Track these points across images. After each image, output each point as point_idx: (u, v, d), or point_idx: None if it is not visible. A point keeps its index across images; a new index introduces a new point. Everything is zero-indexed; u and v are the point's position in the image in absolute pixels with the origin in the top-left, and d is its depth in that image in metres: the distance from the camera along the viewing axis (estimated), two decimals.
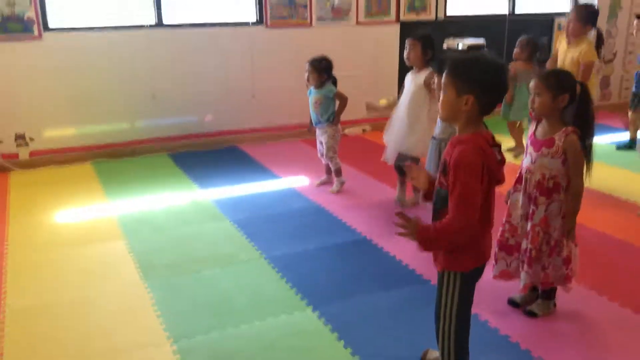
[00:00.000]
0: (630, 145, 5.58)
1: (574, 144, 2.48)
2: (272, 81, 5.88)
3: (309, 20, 5.89)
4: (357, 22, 6.11)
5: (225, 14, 5.72)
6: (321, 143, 4.53)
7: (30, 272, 3.27)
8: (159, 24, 5.41)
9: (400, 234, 1.93)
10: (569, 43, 4.32)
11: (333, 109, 4.43)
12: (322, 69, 4.36)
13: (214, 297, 2.98)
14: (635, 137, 5.57)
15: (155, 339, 2.62)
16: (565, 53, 4.33)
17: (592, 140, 2.59)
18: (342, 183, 4.53)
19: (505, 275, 2.75)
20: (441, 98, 1.97)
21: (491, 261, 2.70)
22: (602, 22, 7.00)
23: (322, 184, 4.65)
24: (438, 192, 2.01)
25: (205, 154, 5.58)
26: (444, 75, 1.96)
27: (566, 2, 7.26)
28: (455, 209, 1.87)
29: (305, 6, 5.83)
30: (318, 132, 4.51)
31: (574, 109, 2.53)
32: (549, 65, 4.68)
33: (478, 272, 2.06)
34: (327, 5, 5.92)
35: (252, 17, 5.75)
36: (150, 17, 5.37)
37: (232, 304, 2.92)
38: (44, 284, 3.14)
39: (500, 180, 1.95)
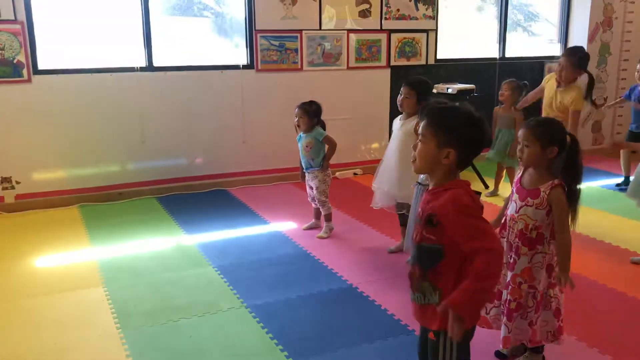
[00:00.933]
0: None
1: (558, 197, 2.43)
2: (263, 125, 5.87)
3: (299, 65, 5.91)
4: (348, 67, 6.13)
5: (216, 57, 5.75)
6: (311, 188, 4.47)
7: (1, 322, 3.16)
8: (149, 66, 5.42)
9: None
10: (558, 85, 4.31)
11: (323, 152, 4.40)
12: (312, 113, 4.34)
13: (189, 348, 2.87)
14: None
15: None
16: (554, 94, 4.33)
17: (579, 188, 2.54)
18: (331, 229, 4.45)
19: (483, 322, 2.66)
20: (419, 148, 1.90)
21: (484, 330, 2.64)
22: (591, 67, 7.06)
23: (310, 228, 4.58)
24: (422, 248, 1.90)
25: (193, 197, 5.52)
26: (423, 124, 1.90)
27: (555, 46, 7.35)
28: (481, 245, 1.76)
29: (296, 50, 5.86)
30: (308, 176, 4.45)
31: (563, 160, 2.48)
32: (532, 95, 4.67)
33: (473, 328, 1.99)
34: (317, 50, 5.96)
35: (242, 60, 5.78)
36: (141, 59, 5.39)
37: (209, 355, 2.81)
38: (15, 334, 3.03)
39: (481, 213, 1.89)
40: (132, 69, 5.35)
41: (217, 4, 5.95)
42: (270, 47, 5.76)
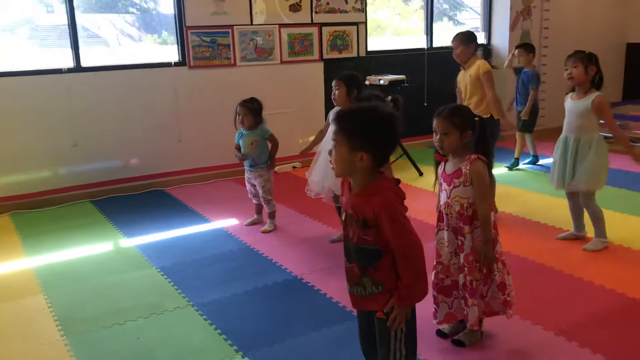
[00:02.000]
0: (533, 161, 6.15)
1: (478, 169, 2.58)
2: (198, 122, 5.83)
3: (232, 60, 5.90)
4: (282, 61, 6.17)
5: (146, 55, 5.65)
6: (253, 185, 4.49)
7: None
8: (78, 67, 5.28)
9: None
10: (464, 68, 4.51)
11: (268, 150, 4.42)
12: (255, 110, 4.35)
13: (137, 349, 2.86)
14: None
15: None
16: (464, 78, 4.51)
17: (492, 163, 2.71)
18: (274, 226, 4.49)
19: (450, 318, 2.77)
20: (334, 154, 1.95)
21: (431, 307, 2.75)
22: None
23: (253, 223, 4.61)
24: (361, 249, 1.98)
25: (130, 199, 5.44)
26: (334, 130, 1.95)
27: (480, 35, 7.62)
28: (411, 254, 1.93)
29: (229, 46, 5.85)
30: (251, 174, 4.46)
31: (475, 140, 2.63)
32: (458, 96, 4.83)
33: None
34: (250, 45, 5.96)
35: (174, 57, 5.71)
36: (68, 60, 5.24)
37: (158, 356, 2.81)
38: None
39: (404, 209, 2.01)
40: (59, 71, 5.20)
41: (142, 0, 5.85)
42: (202, 44, 5.73)
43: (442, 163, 2.74)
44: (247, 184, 4.54)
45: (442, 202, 2.71)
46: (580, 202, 3.90)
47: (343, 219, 2.07)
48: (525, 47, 6.05)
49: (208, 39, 5.75)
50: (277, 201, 4.60)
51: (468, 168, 2.58)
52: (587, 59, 3.70)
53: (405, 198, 1.99)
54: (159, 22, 5.86)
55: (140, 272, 3.80)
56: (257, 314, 3.19)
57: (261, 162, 4.40)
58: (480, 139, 2.64)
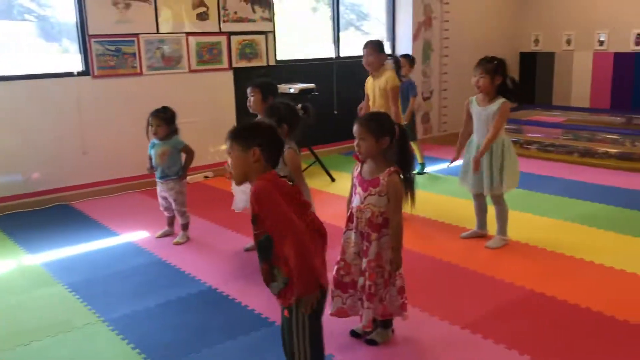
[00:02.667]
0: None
1: (394, 183, 2.67)
2: (104, 133, 5.66)
3: (139, 69, 5.77)
4: (190, 70, 6.11)
5: (45, 65, 5.42)
6: (164, 198, 4.40)
7: None
8: None
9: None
10: (373, 77, 4.65)
11: (180, 161, 4.34)
12: (170, 120, 4.26)
13: None
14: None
15: None
16: (373, 87, 4.65)
17: (412, 174, 2.81)
18: (188, 237, 4.42)
19: (341, 312, 2.84)
20: (231, 164, 2.10)
21: (329, 298, 2.81)
22: (418, 64, 7.70)
23: (164, 235, 4.52)
24: (258, 245, 2.09)
25: (33, 215, 5.18)
26: (228, 145, 2.10)
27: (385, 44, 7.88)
28: (285, 238, 1.99)
29: (134, 55, 5.72)
30: (162, 187, 4.35)
31: (396, 148, 2.73)
32: (363, 105, 4.94)
33: (322, 294, 2.14)
34: (157, 53, 5.86)
35: (77, 67, 5.51)
36: None
37: None
38: None
39: (306, 204, 2.12)
40: None
41: (40, 6, 5.59)
42: (106, 52, 5.57)
43: (358, 165, 2.81)
44: (158, 196, 4.43)
45: (354, 205, 2.79)
46: (491, 200, 4.12)
47: None
48: (408, 58, 6.30)
49: (112, 48, 5.60)
50: (191, 212, 4.54)
51: (386, 180, 2.67)
52: (493, 69, 3.88)
53: (297, 194, 2.10)
54: (59, 31, 5.63)
55: (45, 289, 3.64)
56: (171, 326, 3.15)
57: (172, 174, 4.31)
58: (401, 150, 2.73)
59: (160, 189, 4.37)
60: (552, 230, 4.44)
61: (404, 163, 2.74)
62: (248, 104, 4.00)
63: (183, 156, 4.38)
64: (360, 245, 2.77)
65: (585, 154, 6.74)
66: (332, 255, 2.63)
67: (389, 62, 4.73)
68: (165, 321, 3.20)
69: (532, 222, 4.65)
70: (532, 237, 4.26)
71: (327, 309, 2.70)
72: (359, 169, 2.80)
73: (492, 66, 3.88)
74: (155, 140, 4.31)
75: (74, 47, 5.54)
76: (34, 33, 5.61)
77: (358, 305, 2.81)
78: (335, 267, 2.82)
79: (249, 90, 3.99)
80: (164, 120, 4.24)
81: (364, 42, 4.63)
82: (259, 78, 4.26)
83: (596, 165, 6.48)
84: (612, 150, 6.59)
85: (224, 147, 6.53)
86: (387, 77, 4.52)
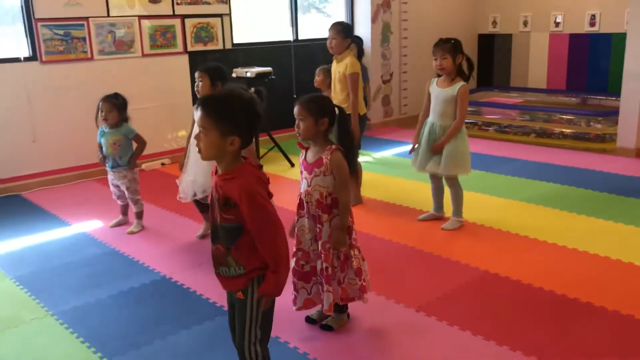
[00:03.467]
0: None
1: (338, 159, 2.64)
2: (55, 121, 5.48)
3: (89, 54, 5.60)
4: (143, 54, 5.95)
5: None
6: (117, 187, 4.28)
7: None
8: None
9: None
10: (336, 60, 4.58)
11: (132, 150, 4.23)
12: (121, 106, 4.14)
13: None
14: None
15: None
16: (335, 69, 4.59)
17: (355, 156, 2.79)
18: (142, 226, 4.33)
19: (309, 304, 2.81)
20: (203, 139, 1.95)
21: (291, 293, 2.78)
22: (376, 46, 7.68)
23: (118, 224, 4.42)
24: (223, 227, 2.01)
25: None
26: (201, 116, 1.94)
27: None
28: (269, 234, 1.95)
29: (84, 39, 5.54)
30: (114, 175, 4.23)
31: (336, 129, 2.71)
32: (318, 74, 4.86)
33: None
34: (108, 37, 5.69)
35: (23, 52, 5.31)
36: None
37: None
38: None
39: (270, 195, 2.04)
40: None
41: None
42: (54, 37, 5.37)
43: (303, 151, 2.78)
44: (110, 185, 4.32)
45: (302, 190, 2.75)
46: (446, 183, 4.14)
47: (209, 200, 2.08)
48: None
49: (61, 32, 5.40)
50: (146, 200, 4.44)
51: (329, 158, 2.64)
52: (453, 49, 3.89)
53: (268, 182, 2.03)
54: (2, 14, 5.41)
55: None
56: (123, 318, 3.07)
57: (124, 163, 4.20)
58: (343, 132, 2.70)
59: (112, 177, 4.26)
60: (507, 211, 4.49)
61: (345, 142, 2.71)
62: (196, 88, 3.91)
63: (134, 144, 4.26)
64: (314, 229, 2.74)
65: (542, 134, 6.84)
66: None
67: (352, 47, 4.64)
68: (117, 313, 3.13)
69: (488, 203, 4.69)
70: (488, 218, 4.29)
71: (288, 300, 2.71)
72: (304, 155, 2.76)
73: (451, 46, 3.89)
74: (105, 129, 4.19)
75: (18, 31, 5.33)
76: None
77: (320, 290, 2.77)
78: (294, 258, 2.78)
79: (197, 74, 3.90)
80: (115, 106, 4.12)
81: (330, 24, 4.55)
82: (208, 63, 4.14)
83: (552, 146, 6.59)
84: (568, 131, 6.70)
85: (181, 132, 6.40)
86: (347, 62, 4.44)
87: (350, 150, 2.72)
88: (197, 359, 2.69)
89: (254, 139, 2.07)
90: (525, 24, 8.47)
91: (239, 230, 1.97)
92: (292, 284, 2.78)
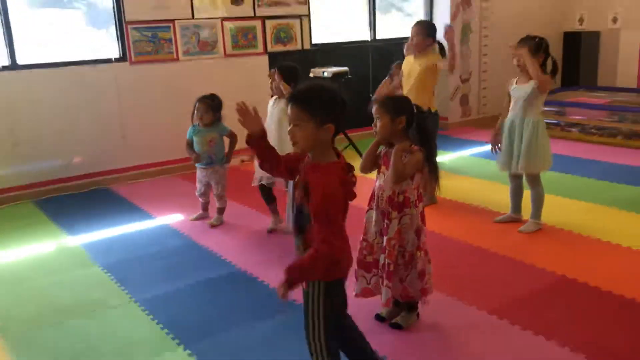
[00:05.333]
0: None
1: (417, 161, 2.66)
2: (142, 119, 5.77)
3: (175, 55, 5.86)
4: (226, 55, 6.16)
5: (86, 51, 5.56)
6: (205, 184, 4.46)
7: None
8: (13, 65, 5.16)
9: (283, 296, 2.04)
10: (415, 56, 4.56)
11: (224, 147, 4.42)
12: (216, 107, 4.33)
13: (78, 347, 2.85)
14: None
15: None
16: (411, 65, 4.54)
17: (435, 157, 2.79)
18: (222, 221, 4.49)
19: (366, 292, 2.85)
20: (298, 132, 2.02)
21: (352, 280, 2.82)
22: (456, 44, 7.55)
23: (198, 219, 4.60)
24: (300, 209, 2.08)
25: (73, 197, 5.35)
26: (295, 108, 2.02)
27: None
28: (322, 235, 1.98)
29: (170, 40, 5.80)
30: (204, 172, 4.42)
31: (415, 131, 2.71)
32: (397, 82, 4.86)
33: (340, 281, 2.15)
34: (192, 39, 5.93)
35: (114, 53, 5.63)
36: (3, 57, 5.11)
37: (99, 352, 2.81)
38: None
39: (353, 197, 2.08)
40: None
41: None
42: (143, 39, 5.66)
43: (385, 148, 2.80)
44: (198, 183, 4.49)
45: (377, 185, 2.79)
46: (527, 182, 4.05)
47: (296, 181, 2.15)
48: None
49: (149, 34, 5.69)
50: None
51: (408, 157, 2.65)
52: (535, 47, 3.82)
53: (355, 184, 2.08)
54: (96, 18, 5.75)
55: (83, 270, 3.77)
56: (200, 306, 3.22)
57: (218, 160, 4.39)
58: (420, 130, 2.71)
59: (202, 174, 4.44)
60: (589, 215, 4.32)
61: (424, 142, 2.71)
62: (270, 86, 4.05)
63: (226, 141, 4.43)
64: (381, 223, 2.77)
65: (631, 136, 6.51)
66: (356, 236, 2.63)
67: (435, 47, 4.60)
68: (195, 302, 3.28)
69: (568, 206, 4.53)
70: (568, 222, 4.15)
71: (352, 290, 2.76)
72: (385, 151, 2.79)
73: (534, 44, 3.80)
74: (198, 127, 4.36)
75: (111, 34, 5.66)
76: (73, 20, 5.74)
77: (380, 283, 2.81)
78: (358, 247, 2.83)
79: (270, 72, 4.07)
80: (211, 107, 4.31)
81: (412, 23, 4.55)
82: (283, 62, 4.28)
83: None
84: None
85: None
86: (429, 58, 4.43)
87: (430, 151, 2.72)
88: (269, 350, 2.78)
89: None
90: (614, 20, 8.08)
91: (308, 218, 2.03)
92: (354, 271, 2.82)
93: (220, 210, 4.51)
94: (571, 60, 8.62)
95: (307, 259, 2.01)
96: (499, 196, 4.61)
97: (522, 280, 3.34)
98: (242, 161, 6.38)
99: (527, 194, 4.11)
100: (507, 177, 4.17)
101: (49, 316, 3.16)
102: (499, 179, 4.78)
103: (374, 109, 2.72)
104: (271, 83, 4.09)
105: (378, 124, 2.71)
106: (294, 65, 4.15)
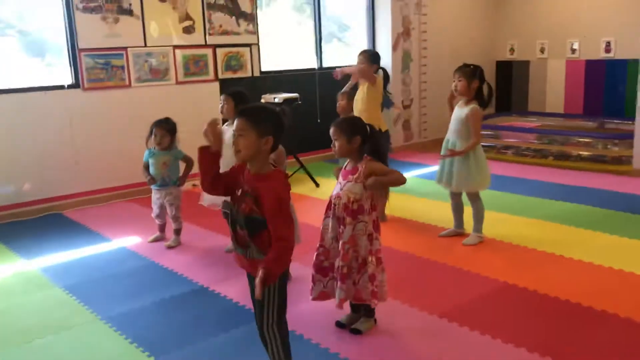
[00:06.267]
0: None
1: (373, 165, 2.93)
2: (95, 144, 5.81)
3: (127, 82, 5.96)
4: (177, 82, 6.30)
5: (35, 79, 5.59)
6: (160, 206, 4.57)
7: None
8: None
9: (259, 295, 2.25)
10: (362, 83, 4.90)
11: (179, 170, 4.56)
12: (172, 130, 4.48)
13: None
14: None
15: None
16: (359, 91, 4.91)
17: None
18: (179, 242, 4.60)
19: (323, 296, 3.06)
20: (242, 141, 2.29)
21: (308, 284, 3.03)
22: (397, 73, 7.97)
23: (155, 240, 4.68)
24: (250, 219, 2.31)
25: (26, 223, 5.33)
26: (240, 122, 2.30)
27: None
28: (282, 233, 2.26)
29: (123, 67, 5.91)
30: (159, 194, 4.54)
31: (369, 147, 2.97)
32: (341, 98, 5.18)
33: (287, 271, 2.47)
34: (144, 66, 6.05)
35: (66, 80, 5.69)
36: None
37: None
38: None
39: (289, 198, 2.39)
40: None
41: (23, 22, 5.72)
42: (96, 66, 5.75)
43: (345, 164, 3.07)
44: (153, 205, 4.59)
45: (334, 194, 3.02)
46: (468, 199, 4.37)
47: (239, 194, 2.38)
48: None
49: (102, 61, 5.78)
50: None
51: (364, 166, 2.91)
52: (470, 73, 4.18)
53: (290, 189, 2.39)
54: (43, 45, 5.79)
55: (43, 292, 3.80)
56: (166, 321, 3.33)
57: (171, 182, 4.51)
58: (374, 148, 2.98)
59: (157, 196, 4.55)
60: (526, 228, 4.68)
61: (377, 157, 2.97)
62: (221, 110, 4.30)
63: (182, 165, 4.57)
64: (336, 229, 2.99)
65: (560, 157, 7.03)
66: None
67: (380, 73, 4.95)
68: (160, 317, 3.38)
69: (507, 220, 4.89)
70: (507, 235, 4.50)
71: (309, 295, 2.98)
72: (345, 166, 3.03)
73: (469, 70, 4.16)
74: (154, 150, 4.49)
75: (61, 61, 5.71)
76: (17, 48, 5.73)
77: (335, 286, 3.01)
78: (315, 253, 3.05)
79: (222, 97, 4.32)
80: (168, 131, 4.46)
81: (359, 52, 4.90)
82: (232, 88, 4.53)
83: (570, 168, 6.77)
84: (585, 153, 6.88)
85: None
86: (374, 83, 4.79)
87: (383, 160, 2.97)
88: (241, 354, 2.93)
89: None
90: (542, 50, 8.72)
91: (262, 223, 2.28)
92: (311, 276, 3.05)
93: (177, 232, 4.61)
94: (504, 88, 9.21)
95: (276, 255, 2.25)
96: (442, 212, 4.92)
97: (468, 287, 3.62)
98: (194, 185, 6.49)
99: (468, 209, 4.44)
100: (449, 195, 4.48)
101: (14, 337, 3.20)
102: (441, 198, 5.10)
103: (331, 131, 2.96)
104: (222, 108, 4.29)
105: (336, 145, 2.95)
106: (241, 90, 4.40)
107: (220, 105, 4.29)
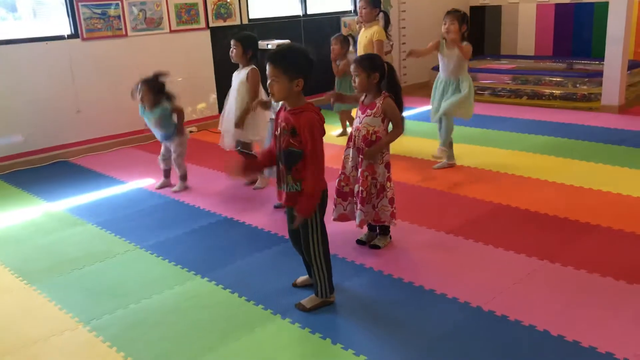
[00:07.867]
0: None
1: (390, 104, 3.27)
2: (96, 92, 5.99)
3: (124, 31, 6.10)
4: (171, 31, 6.46)
5: (37, 29, 5.70)
6: (167, 149, 4.69)
7: None
8: None
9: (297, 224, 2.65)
10: (365, 28, 5.20)
11: (174, 121, 4.59)
12: (157, 90, 4.43)
13: (105, 285, 3.25)
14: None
15: (66, 325, 2.84)
16: (362, 37, 5.22)
17: (402, 101, 3.40)
18: (186, 187, 4.74)
19: (343, 217, 3.45)
20: (275, 85, 2.57)
21: (331, 206, 3.41)
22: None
23: (162, 187, 4.81)
24: (290, 152, 2.62)
25: (37, 171, 5.54)
26: (271, 66, 2.56)
27: (348, 2, 8.37)
28: (314, 160, 2.59)
29: (119, 17, 6.04)
30: (167, 141, 4.66)
31: (386, 83, 3.31)
32: (334, 43, 5.44)
33: (325, 191, 2.76)
34: (139, 15, 6.19)
35: (65, 30, 5.81)
36: None
37: (126, 287, 3.22)
38: None
39: (323, 133, 2.67)
40: None
41: None
42: (93, 16, 5.87)
43: (363, 97, 3.38)
44: (162, 145, 4.74)
45: (354, 126, 3.37)
46: (443, 117, 4.79)
47: (277, 132, 2.70)
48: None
49: (99, 11, 5.90)
50: (186, 162, 4.86)
51: (381, 102, 3.25)
52: (461, 18, 4.57)
53: (324, 122, 2.67)
54: None
55: (77, 228, 4.08)
56: (202, 246, 3.68)
57: (170, 134, 4.60)
58: (390, 83, 3.32)
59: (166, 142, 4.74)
60: (508, 158, 5.15)
61: (394, 91, 3.32)
62: (230, 54, 4.49)
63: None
64: (356, 159, 3.36)
65: (533, 96, 7.49)
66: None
67: (380, 16, 5.24)
68: (196, 244, 3.73)
69: (490, 152, 5.35)
70: (492, 164, 4.97)
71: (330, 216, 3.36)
72: (363, 100, 3.37)
73: (460, 15, 4.54)
74: (145, 110, 4.51)
75: (61, 11, 5.81)
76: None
77: (354, 209, 3.40)
78: (337, 179, 3.43)
79: (232, 42, 4.48)
80: (152, 90, 4.41)
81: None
82: (242, 32, 4.70)
83: (543, 106, 7.25)
84: (557, 92, 7.36)
85: (203, 103, 6.94)
86: (374, 30, 5.08)
87: (398, 97, 3.32)
88: (273, 269, 3.32)
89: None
90: None
91: (299, 155, 2.60)
92: (333, 200, 3.40)
93: (182, 177, 4.77)
94: (477, 32, 9.57)
95: (310, 192, 2.60)
96: (433, 149, 5.31)
97: (467, 209, 4.06)
98: (191, 132, 6.73)
99: (457, 146, 4.89)
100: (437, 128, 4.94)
101: (65, 266, 3.50)
102: (431, 136, 5.50)
103: (353, 67, 3.28)
104: (231, 52, 4.51)
105: (357, 80, 3.28)
106: (249, 34, 4.62)
107: (230, 50, 4.51)
